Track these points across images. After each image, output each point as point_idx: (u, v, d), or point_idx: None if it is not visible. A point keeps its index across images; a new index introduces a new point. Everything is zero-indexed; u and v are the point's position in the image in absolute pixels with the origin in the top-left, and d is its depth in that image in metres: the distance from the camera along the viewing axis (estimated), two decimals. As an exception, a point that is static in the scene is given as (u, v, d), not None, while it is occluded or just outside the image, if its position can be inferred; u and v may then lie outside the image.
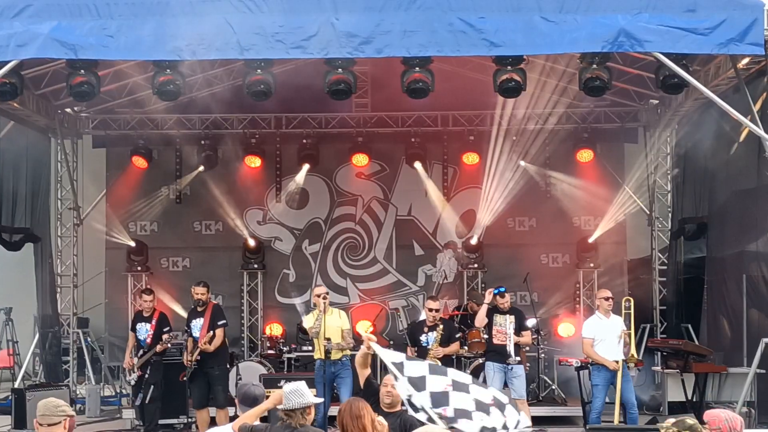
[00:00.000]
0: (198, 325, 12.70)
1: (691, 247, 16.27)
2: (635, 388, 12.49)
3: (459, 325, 14.27)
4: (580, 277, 16.49)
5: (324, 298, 12.17)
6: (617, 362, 11.66)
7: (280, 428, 6.56)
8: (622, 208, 16.56)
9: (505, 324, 12.21)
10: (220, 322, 12.73)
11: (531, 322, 13.88)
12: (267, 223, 17.17)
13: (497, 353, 12.26)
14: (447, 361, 12.48)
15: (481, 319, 12.37)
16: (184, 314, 15.42)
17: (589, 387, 12.41)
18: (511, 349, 12.16)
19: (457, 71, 14.79)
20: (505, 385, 12.21)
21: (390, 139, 16.71)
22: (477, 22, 10.52)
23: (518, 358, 12.24)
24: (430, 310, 12.34)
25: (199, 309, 12.81)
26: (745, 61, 11.45)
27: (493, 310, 12.37)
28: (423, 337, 12.28)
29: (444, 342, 12.18)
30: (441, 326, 12.19)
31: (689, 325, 15.40)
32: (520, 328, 12.37)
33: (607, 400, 12.16)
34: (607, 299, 12.06)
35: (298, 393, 6.52)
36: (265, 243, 17.02)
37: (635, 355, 11.96)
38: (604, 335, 11.84)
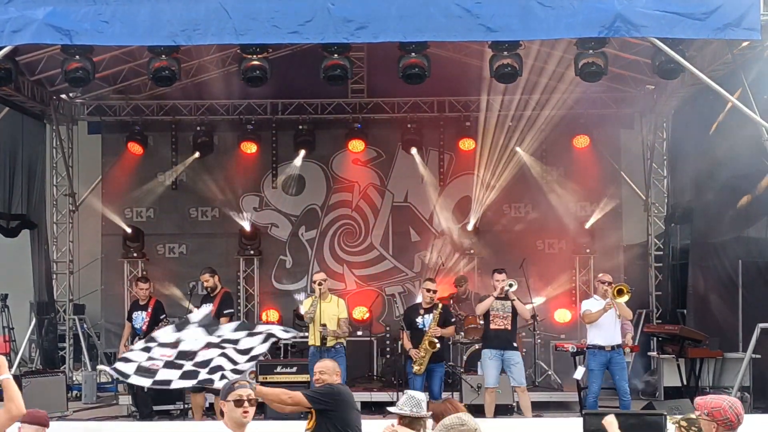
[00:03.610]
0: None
1: (686, 233, 16.23)
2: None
3: (456, 311, 14.26)
4: (576, 263, 16.47)
5: (320, 284, 12.16)
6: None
7: None
8: (617, 194, 16.59)
9: (504, 308, 12.17)
10: (226, 311, 12.76)
11: (527, 307, 13.85)
12: (263, 209, 17.15)
13: (495, 339, 12.20)
14: (443, 347, 12.53)
15: (483, 309, 12.34)
16: (180, 301, 15.50)
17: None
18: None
19: (454, 57, 14.77)
20: (503, 372, 12.21)
21: (386, 125, 16.69)
22: (473, 7, 10.52)
23: (515, 344, 12.23)
24: (428, 290, 12.31)
25: (211, 295, 12.88)
26: (742, 45, 11.44)
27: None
28: (419, 320, 12.24)
29: (440, 324, 12.13)
30: (440, 306, 12.18)
31: (684, 311, 15.39)
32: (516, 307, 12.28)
33: (604, 385, 12.18)
34: (602, 282, 12.08)
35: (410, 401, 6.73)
36: (261, 229, 17.00)
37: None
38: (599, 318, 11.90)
